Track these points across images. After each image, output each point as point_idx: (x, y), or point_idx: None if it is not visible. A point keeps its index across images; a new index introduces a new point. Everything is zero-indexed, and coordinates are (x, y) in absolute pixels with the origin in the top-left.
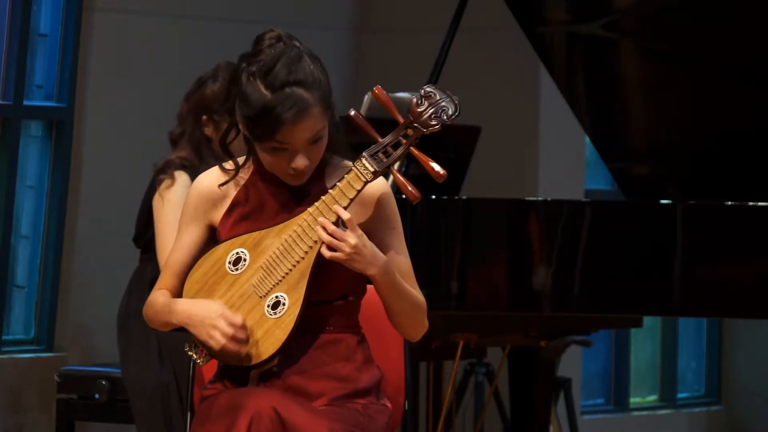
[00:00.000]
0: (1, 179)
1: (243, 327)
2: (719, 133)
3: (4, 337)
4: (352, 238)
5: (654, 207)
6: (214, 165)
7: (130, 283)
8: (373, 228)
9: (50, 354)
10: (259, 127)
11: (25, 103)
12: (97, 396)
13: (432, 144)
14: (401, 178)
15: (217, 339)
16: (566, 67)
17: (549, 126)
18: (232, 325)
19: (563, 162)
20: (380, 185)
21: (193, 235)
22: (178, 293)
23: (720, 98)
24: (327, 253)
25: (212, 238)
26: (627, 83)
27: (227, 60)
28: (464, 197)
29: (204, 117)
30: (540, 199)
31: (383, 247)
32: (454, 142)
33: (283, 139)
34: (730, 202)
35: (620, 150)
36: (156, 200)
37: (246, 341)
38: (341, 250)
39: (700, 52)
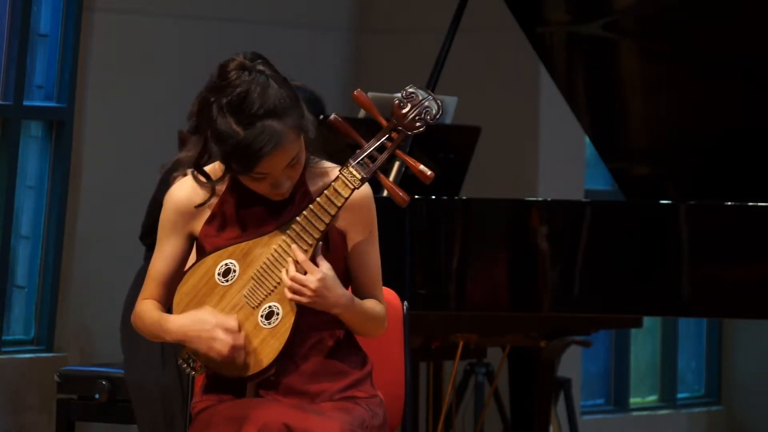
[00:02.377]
0: (1, 179)
1: (240, 330)
2: (719, 133)
3: (4, 337)
4: (313, 282)
5: (654, 207)
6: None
7: (134, 282)
8: (350, 231)
9: (50, 354)
10: (235, 162)
11: (25, 103)
12: (97, 396)
13: (432, 144)
14: (389, 182)
15: (219, 350)
16: (566, 67)
17: (549, 126)
18: (230, 331)
19: (563, 162)
20: (362, 189)
21: (174, 247)
22: (165, 302)
23: (720, 98)
24: (289, 295)
25: (193, 246)
26: (627, 83)
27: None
28: (464, 197)
29: None
30: (540, 199)
31: (358, 251)
32: (454, 142)
33: (261, 171)
34: (730, 202)
35: (620, 150)
36: None
37: (243, 347)
38: (303, 295)
39: (700, 52)
